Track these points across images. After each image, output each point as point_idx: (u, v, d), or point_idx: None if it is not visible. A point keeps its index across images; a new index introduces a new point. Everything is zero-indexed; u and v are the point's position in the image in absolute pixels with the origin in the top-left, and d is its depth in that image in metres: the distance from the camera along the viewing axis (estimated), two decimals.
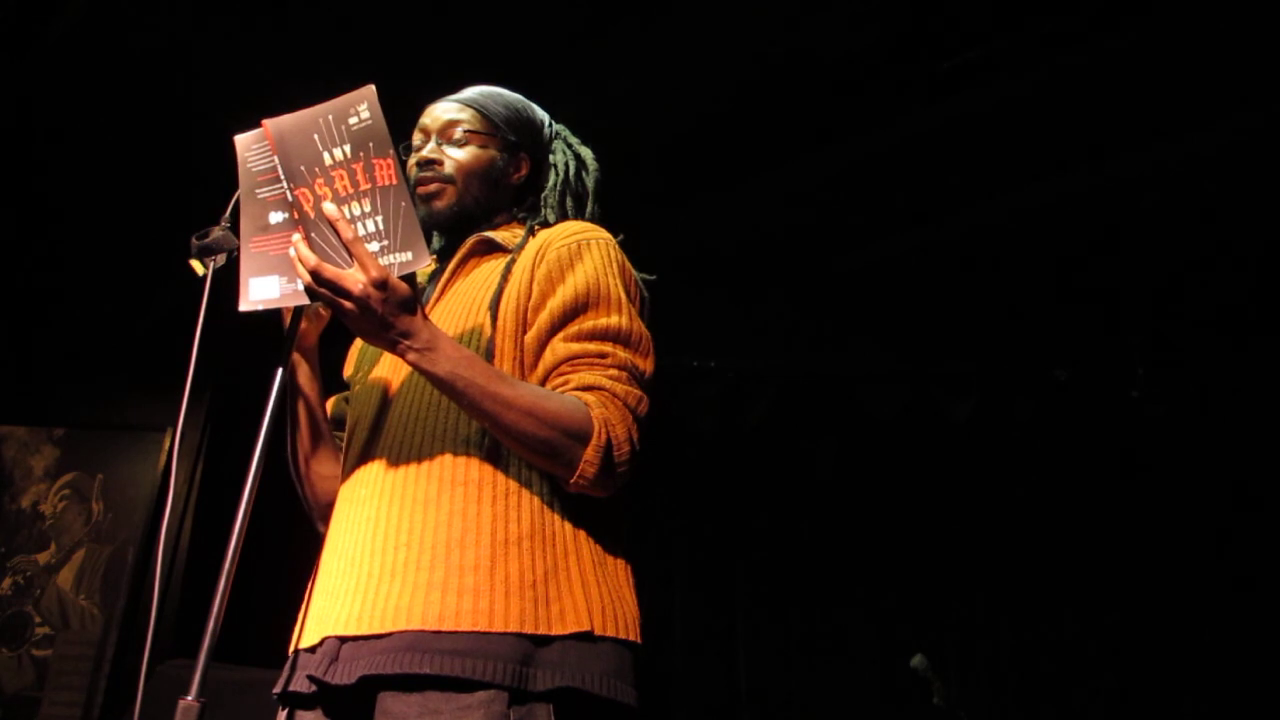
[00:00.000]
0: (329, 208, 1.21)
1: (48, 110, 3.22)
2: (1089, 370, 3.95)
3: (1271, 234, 3.48)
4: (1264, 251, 3.55)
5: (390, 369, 1.42)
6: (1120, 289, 3.81)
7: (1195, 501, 3.70)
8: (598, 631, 1.23)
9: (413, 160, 1.51)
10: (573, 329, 1.33)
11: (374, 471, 1.33)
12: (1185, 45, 2.88)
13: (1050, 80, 3.02)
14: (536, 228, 1.48)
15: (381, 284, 1.18)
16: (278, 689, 1.30)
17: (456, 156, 1.50)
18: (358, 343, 1.57)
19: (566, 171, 1.58)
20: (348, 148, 1.21)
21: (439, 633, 1.18)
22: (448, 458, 1.29)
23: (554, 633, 1.20)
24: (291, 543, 1.74)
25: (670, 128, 3.28)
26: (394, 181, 1.21)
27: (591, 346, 1.31)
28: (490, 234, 1.48)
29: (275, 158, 1.23)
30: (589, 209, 1.58)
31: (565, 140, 1.62)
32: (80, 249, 3.79)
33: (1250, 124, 3.14)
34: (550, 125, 1.62)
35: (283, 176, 1.24)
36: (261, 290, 1.29)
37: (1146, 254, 3.65)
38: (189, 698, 1.11)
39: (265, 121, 1.24)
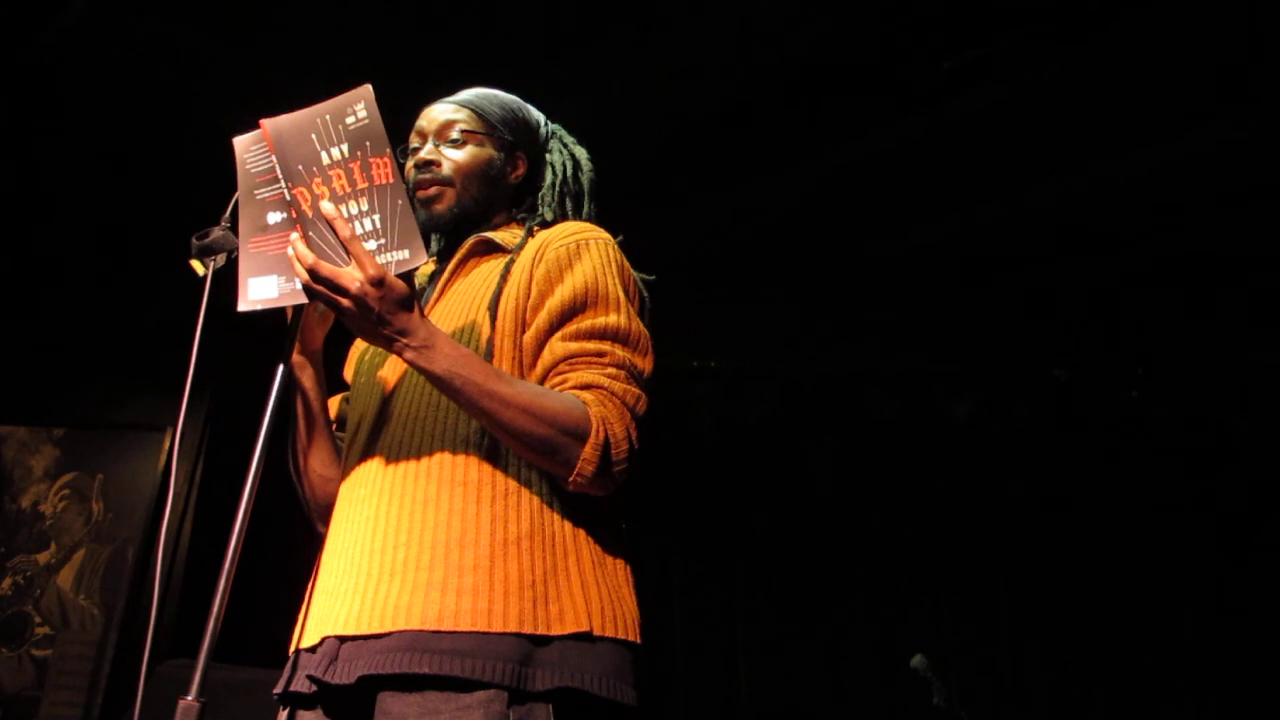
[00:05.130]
0: (326, 206, 1.21)
1: (47, 110, 3.22)
2: (1089, 370, 3.95)
3: (1273, 233, 3.48)
4: (1264, 251, 3.54)
5: (390, 369, 1.42)
6: (1120, 289, 3.81)
7: (1195, 501, 3.70)
8: (597, 632, 1.23)
9: (411, 163, 1.51)
10: (571, 328, 1.33)
11: (373, 471, 1.34)
12: (1186, 43, 2.88)
13: (1050, 80, 3.02)
14: (535, 228, 1.49)
15: (379, 281, 1.18)
16: (278, 689, 1.30)
17: (454, 157, 1.50)
18: (358, 343, 1.57)
19: (564, 171, 1.58)
20: (345, 147, 1.21)
21: (438, 632, 1.18)
22: (447, 457, 1.29)
23: (553, 633, 1.20)
24: (291, 543, 1.74)
25: (670, 128, 3.28)
26: (391, 180, 1.22)
27: (590, 345, 1.31)
28: (489, 234, 1.48)
29: (273, 158, 1.24)
30: (586, 208, 1.58)
31: (561, 140, 1.62)
32: (80, 249, 3.79)
33: (1251, 122, 3.14)
34: (546, 125, 1.63)
35: (281, 176, 1.24)
36: (260, 290, 1.29)
37: (1146, 254, 3.65)
38: (189, 698, 1.11)
39: (263, 121, 1.24)
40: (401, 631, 1.19)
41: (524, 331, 1.36)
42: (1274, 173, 3.27)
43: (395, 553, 1.25)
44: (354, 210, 1.23)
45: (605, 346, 1.31)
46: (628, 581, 1.33)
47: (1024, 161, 3.38)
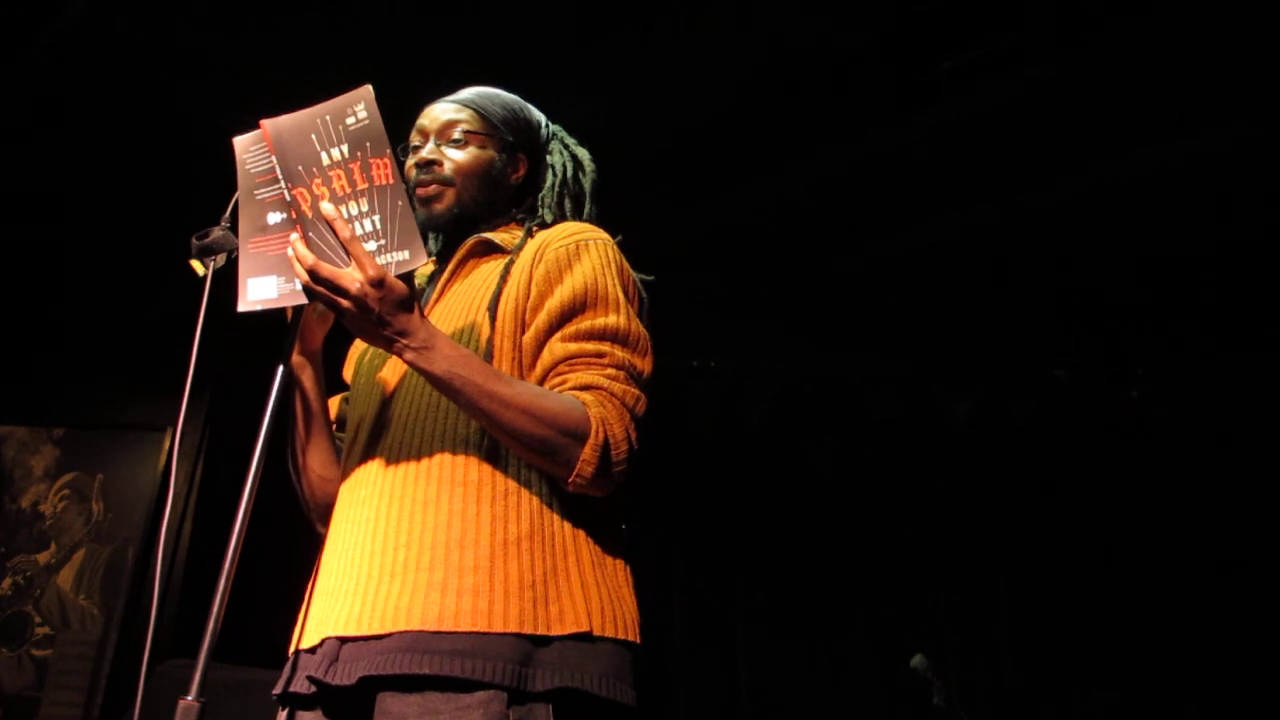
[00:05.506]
0: (326, 207, 1.21)
1: (47, 110, 3.22)
2: (1089, 370, 3.95)
3: (1272, 233, 3.48)
4: (1264, 251, 3.54)
5: (390, 370, 1.42)
6: (1120, 289, 3.81)
7: (1195, 501, 3.70)
8: (597, 632, 1.23)
9: (411, 161, 1.51)
10: (570, 329, 1.33)
11: (374, 472, 1.33)
12: (1186, 45, 2.88)
13: (1050, 80, 3.02)
14: (535, 229, 1.48)
15: (378, 282, 1.18)
16: (278, 690, 1.30)
17: (456, 157, 1.50)
18: (358, 344, 1.57)
19: (564, 172, 1.58)
20: (345, 147, 1.21)
21: (438, 633, 1.18)
22: (447, 458, 1.29)
23: (553, 633, 1.20)
24: (291, 543, 1.74)
25: (671, 128, 3.28)
26: (391, 181, 1.22)
27: (589, 346, 1.31)
28: (489, 235, 1.48)
29: (273, 158, 1.24)
30: (587, 209, 1.58)
31: (562, 141, 1.62)
32: (80, 249, 3.79)
33: (1251, 123, 3.14)
34: (547, 126, 1.62)
35: (281, 177, 1.24)
36: (260, 290, 1.29)
37: (1146, 254, 3.65)
38: (189, 698, 1.11)
39: (264, 122, 1.24)
40: (402, 632, 1.19)
41: (523, 332, 1.35)
42: (1274, 173, 3.27)
43: (395, 554, 1.24)
44: (354, 211, 1.23)
45: (605, 347, 1.31)
46: (627, 582, 1.33)
47: (1024, 161, 3.38)
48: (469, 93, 1.57)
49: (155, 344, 2.63)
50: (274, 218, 1.29)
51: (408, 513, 1.27)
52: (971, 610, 3.84)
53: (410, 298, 1.21)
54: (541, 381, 1.32)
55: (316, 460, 1.47)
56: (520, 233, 1.49)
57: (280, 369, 1.30)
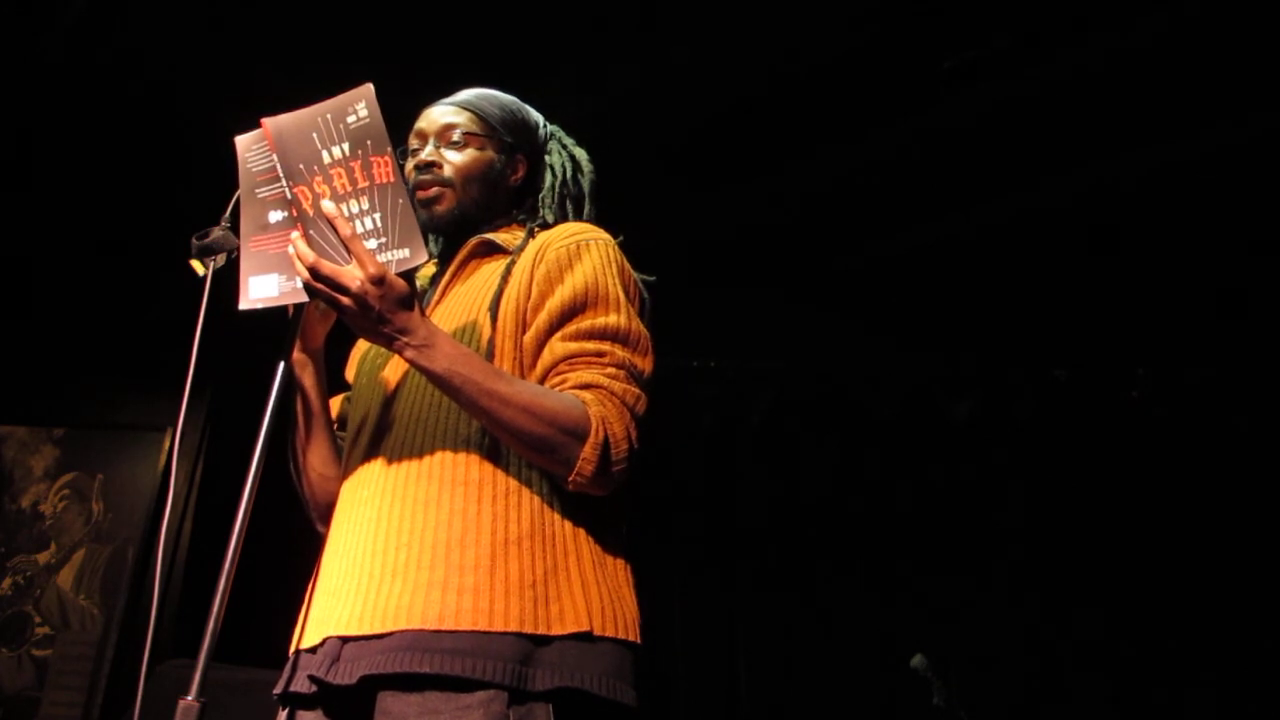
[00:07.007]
0: (327, 205, 1.21)
1: (48, 109, 3.22)
2: (1089, 370, 3.95)
3: (1272, 233, 3.48)
4: (1264, 250, 3.54)
5: (392, 369, 1.42)
6: (1120, 289, 3.81)
7: (1195, 502, 3.70)
8: (597, 631, 1.23)
9: (411, 164, 1.51)
10: (571, 328, 1.33)
11: (375, 471, 1.34)
12: (1187, 45, 2.88)
13: (1051, 80, 3.02)
14: (536, 229, 1.49)
15: (379, 280, 1.18)
16: (278, 689, 1.29)
17: (454, 159, 1.50)
18: (360, 343, 1.57)
19: (563, 173, 1.58)
20: (346, 146, 1.22)
21: (439, 632, 1.18)
22: (448, 457, 1.29)
23: (553, 633, 1.20)
24: (291, 543, 1.74)
25: (670, 129, 3.28)
26: (391, 179, 1.22)
27: (589, 345, 1.31)
28: (490, 236, 1.48)
29: (274, 156, 1.24)
30: (587, 210, 1.58)
31: (560, 141, 1.62)
32: (80, 249, 3.79)
33: (1251, 123, 3.14)
34: (545, 126, 1.63)
35: (282, 175, 1.24)
36: (261, 288, 1.30)
37: (1147, 253, 3.65)
38: (189, 698, 1.11)
39: (265, 120, 1.24)
40: (403, 631, 1.19)
41: (524, 332, 1.36)
42: (1273, 173, 3.27)
43: (397, 553, 1.24)
44: (354, 209, 1.23)
45: (605, 346, 1.31)
46: (628, 581, 1.33)
47: (1024, 161, 3.38)
48: (467, 94, 1.57)
49: (155, 344, 2.63)
50: (275, 216, 1.29)
51: (409, 512, 1.27)
52: (972, 610, 3.84)
53: (410, 296, 1.21)
54: (542, 381, 1.32)
55: (317, 460, 1.47)
56: (521, 233, 1.49)
57: (281, 366, 1.30)
